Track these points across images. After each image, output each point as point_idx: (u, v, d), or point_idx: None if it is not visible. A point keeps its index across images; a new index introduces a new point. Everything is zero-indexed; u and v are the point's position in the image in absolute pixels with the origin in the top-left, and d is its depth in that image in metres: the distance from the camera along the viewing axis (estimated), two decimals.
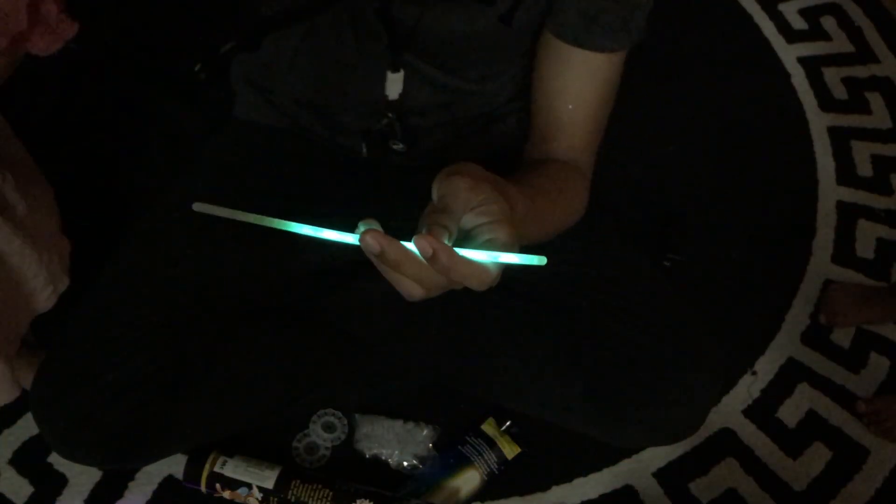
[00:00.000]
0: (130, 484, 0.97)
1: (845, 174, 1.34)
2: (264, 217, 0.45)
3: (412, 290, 0.46)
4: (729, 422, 1.08)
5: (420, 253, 0.43)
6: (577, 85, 0.70)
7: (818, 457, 1.06)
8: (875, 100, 1.44)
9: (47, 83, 1.26)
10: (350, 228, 0.44)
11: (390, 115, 0.77)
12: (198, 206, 0.46)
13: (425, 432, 1.01)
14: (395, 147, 0.80)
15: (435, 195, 0.49)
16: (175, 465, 0.96)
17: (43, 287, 0.86)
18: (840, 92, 1.45)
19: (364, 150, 0.82)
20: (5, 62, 0.71)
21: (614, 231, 0.92)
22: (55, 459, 0.98)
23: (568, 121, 0.72)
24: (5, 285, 0.81)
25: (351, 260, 0.93)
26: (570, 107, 0.71)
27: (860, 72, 1.48)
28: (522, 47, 0.75)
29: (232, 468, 0.92)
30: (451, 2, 0.68)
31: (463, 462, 0.97)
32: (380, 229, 0.44)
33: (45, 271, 0.84)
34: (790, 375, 1.13)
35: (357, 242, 0.44)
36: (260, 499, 0.91)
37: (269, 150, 0.90)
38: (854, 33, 1.54)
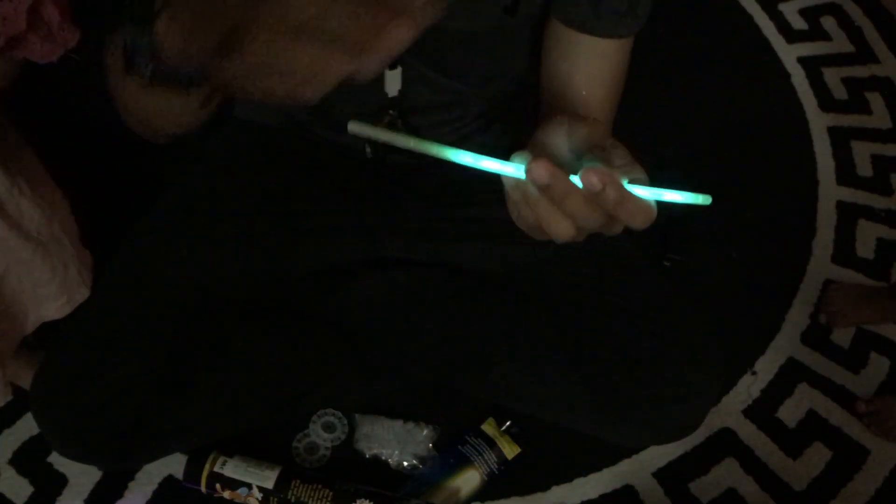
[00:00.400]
0: (130, 484, 0.97)
1: (845, 174, 1.34)
2: (422, 141, 0.41)
3: (565, 229, 0.42)
4: (729, 422, 1.08)
5: (588, 186, 0.39)
6: (589, 72, 0.70)
7: (818, 457, 1.06)
8: (875, 100, 1.44)
9: (44, 83, 1.26)
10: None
11: (392, 112, 0.77)
12: (353, 127, 0.41)
13: (425, 432, 1.01)
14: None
15: (569, 138, 0.45)
16: (175, 465, 0.96)
17: (55, 296, 0.85)
18: (840, 92, 1.45)
19: (367, 149, 0.82)
20: (3, 66, 0.71)
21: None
22: (55, 459, 0.98)
23: (582, 108, 0.71)
24: (4, 295, 0.81)
25: (350, 259, 0.94)
26: (584, 93, 0.71)
27: (860, 72, 1.48)
28: (522, 46, 0.75)
29: (232, 468, 0.92)
30: None
31: (463, 462, 0.97)
32: (546, 160, 0.40)
33: (57, 280, 0.84)
34: (790, 375, 1.13)
35: (518, 173, 0.40)
36: (260, 499, 0.91)
37: (269, 150, 0.90)
38: (854, 33, 1.54)
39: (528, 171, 0.39)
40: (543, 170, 0.39)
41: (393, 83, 0.74)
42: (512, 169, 0.41)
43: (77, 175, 0.99)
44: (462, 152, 0.41)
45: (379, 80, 0.74)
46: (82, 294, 0.88)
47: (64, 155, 0.99)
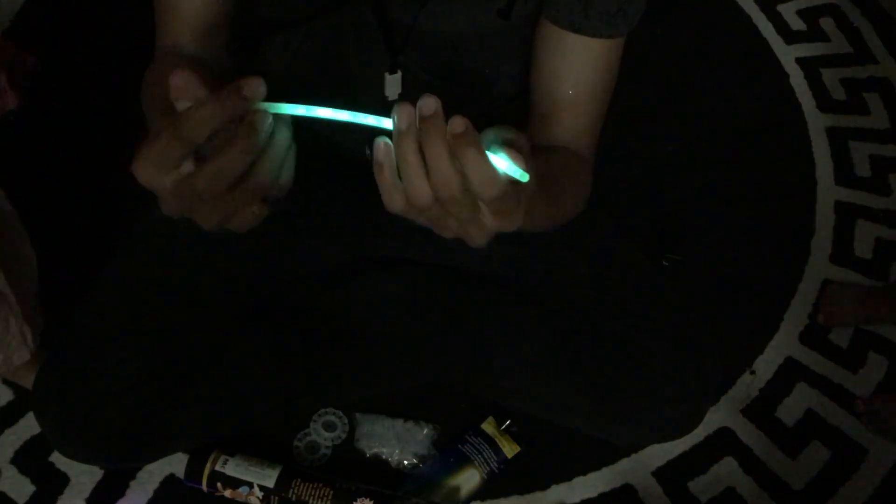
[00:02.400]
0: (132, 483, 0.97)
1: (844, 174, 1.34)
2: (312, 107, 0.47)
3: (420, 191, 0.47)
4: (728, 421, 1.08)
5: (423, 109, 0.45)
6: (577, 71, 0.70)
7: (817, 456, 1.06)
8: (873, 100, 1.45)
9: (46, 78, 1.26)
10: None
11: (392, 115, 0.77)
12: (263, 106, 0.45)
13: (425, 431, 1.01)
14: None
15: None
16: (176, 464, 0.97)
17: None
18: (838, 92, 1.45)
19: (367, 150, 0.82)
20: None
21: (613, 230, 0.93)
22: (57, 459, 0.98)
23: (569, 107, 0.71)
24: None
25: (350, 260, 0.94)
26: (571, 92, 0.70)
27: (858, 72, 1.49)
28: (520, 48, 0.75)
29: (233, 467, 0.92)
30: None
31: (463, 461, 0.98)
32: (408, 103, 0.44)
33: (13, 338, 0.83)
34: (789, 375, 1.13)
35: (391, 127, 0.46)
36: (261, 497, 0.91)
37: None
38: (852, 34, 1.55)
39: (394, 112, 0.45)
40: (405, 114, 0.45)
41: (393, 87, 0.74)
42: (388, 124, 0.47)
43: (66, 167, 0.97)
44: (340, 111, 0.47)
45: (379, 84, 0.74)
46: (21, 356, 0.85)
47: (53, 147, 0.97)
